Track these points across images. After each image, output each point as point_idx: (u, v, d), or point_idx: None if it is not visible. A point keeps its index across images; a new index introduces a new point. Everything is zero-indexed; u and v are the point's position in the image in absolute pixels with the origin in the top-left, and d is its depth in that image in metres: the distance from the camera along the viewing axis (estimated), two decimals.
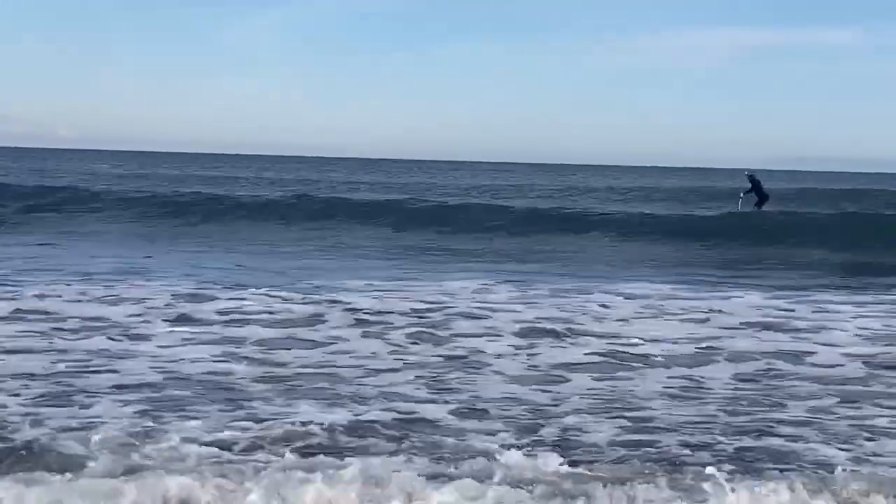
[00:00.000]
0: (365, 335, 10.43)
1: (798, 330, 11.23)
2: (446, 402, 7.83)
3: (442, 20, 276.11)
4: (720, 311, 12.40)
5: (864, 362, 9.56)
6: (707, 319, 11.87)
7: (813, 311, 12.62)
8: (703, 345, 10.29)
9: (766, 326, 11.46)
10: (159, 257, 18.71)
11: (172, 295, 12.57)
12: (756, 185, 28.76)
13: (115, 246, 21.07)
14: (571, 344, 10.23)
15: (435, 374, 8.78)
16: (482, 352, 9.75)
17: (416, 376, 8.66)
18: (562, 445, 6.65)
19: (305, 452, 6.27)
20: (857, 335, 10.99)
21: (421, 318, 11.41)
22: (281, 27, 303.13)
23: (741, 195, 28.98)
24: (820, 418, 7.54)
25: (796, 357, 9.79)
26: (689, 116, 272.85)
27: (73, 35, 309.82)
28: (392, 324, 10.99)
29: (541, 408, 7.72)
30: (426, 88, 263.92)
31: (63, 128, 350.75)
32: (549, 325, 11.04)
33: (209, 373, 8.63)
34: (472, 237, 24.49)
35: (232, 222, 27.17)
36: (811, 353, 9.96)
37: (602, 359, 9.58)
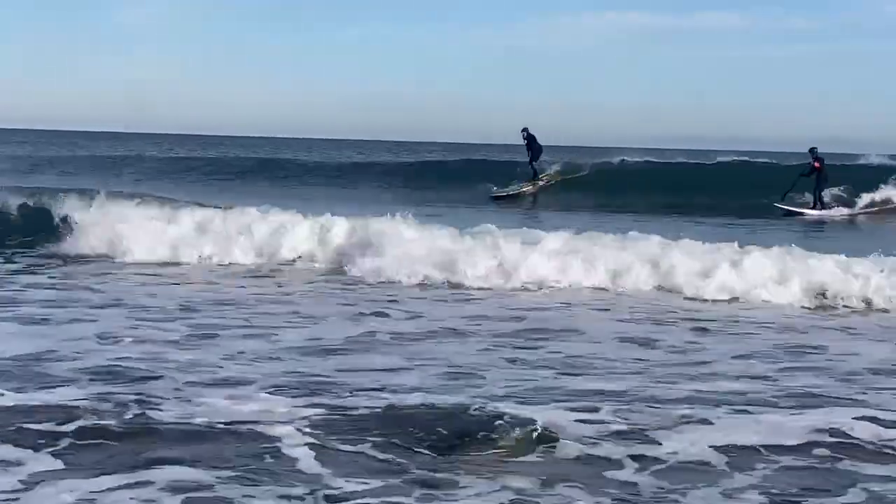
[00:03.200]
0: None
1: None
2: None
3: (331, 5, 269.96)
4: None
5: None
6: None
7: None
8: None
9: None
10: None
11: None
12: (529, 141, 29.76)
13: None
14: None
15: None
16: None
17: None
18: None
19: None
20: None
21: None
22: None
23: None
24: None
25: None
26: (575, 96, 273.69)
27: None
28: None
29: None
30: (309, 70, 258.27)
31: None
32: None
33: None
34: None
35: None
36: None
37: None
